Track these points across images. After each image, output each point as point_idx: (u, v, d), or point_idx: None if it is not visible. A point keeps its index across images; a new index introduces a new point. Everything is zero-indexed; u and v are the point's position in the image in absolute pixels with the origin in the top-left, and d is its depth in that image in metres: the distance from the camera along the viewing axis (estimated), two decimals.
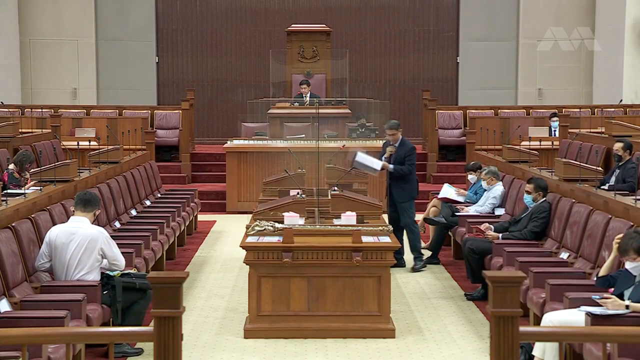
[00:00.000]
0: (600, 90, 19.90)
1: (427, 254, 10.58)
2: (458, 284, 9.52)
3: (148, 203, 11.59)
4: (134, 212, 10.66)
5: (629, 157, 10.52)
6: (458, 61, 20.79)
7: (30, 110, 17.46)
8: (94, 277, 6.99)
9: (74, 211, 7.33)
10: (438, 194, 11.33)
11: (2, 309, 6.14)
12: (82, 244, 6.96)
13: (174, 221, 10.56)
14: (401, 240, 9.80)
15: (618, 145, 10.60)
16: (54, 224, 7.46)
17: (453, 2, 20.70)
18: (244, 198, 14.17)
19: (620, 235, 6.42)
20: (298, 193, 9.26)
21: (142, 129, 15.34)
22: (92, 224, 7.24)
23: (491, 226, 9.17)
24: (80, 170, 10.09)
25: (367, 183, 11.36)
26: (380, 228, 7.77)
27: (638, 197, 7.48)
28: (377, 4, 20.66)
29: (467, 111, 17.79)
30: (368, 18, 20.69)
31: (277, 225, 7.82)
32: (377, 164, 10.15)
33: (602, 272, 6.64)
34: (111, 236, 7.43)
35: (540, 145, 13.28)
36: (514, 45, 20.59)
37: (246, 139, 15.21)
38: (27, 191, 8.55)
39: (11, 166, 10.53)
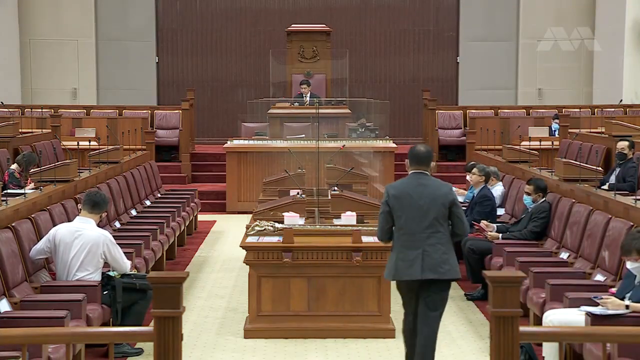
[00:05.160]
0: (600, 90, 19.88)
1: None
2: (458, 284, 9.51)
3: (148, 203, 11.58)
4: (134, 212, 10.66)
5: (632, 156, 10.53)
6: (458, 61, 20.77)
7: (30, 110, 17.45)
8: (95, 278, 6.99)
9: (80, 210, 7.31)
10: None
11: (2, 309, 6.14)
12: (85, 246, 6.96)
13: (174, 221, 10.55)
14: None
15: (624, 144, 10.58)
16: (54, 224, 7.46)
17: (453, 2, 20.68)
18: (244, 198, 14.16)
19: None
20: (298, 193, 9.25)
21: (142, 129, 15.32)
22: (98, 224, 7.24)
23: (494, 225, 9.15)
24: (80, 170, 10.08)
25: (367, 183, 11.35)
26: None
27: (638, 197, 7.48)
28: (377, 4, 20.64)
29: (467, 111, 17.78)
30: (368, 18, 20.68)
31: (277, 225, 7.82)
32: None
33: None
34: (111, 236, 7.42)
35: (540, 145, 13.28)
36: (514, 45, 20.57)
37: (246, 139, 15.19)
38: (27, 191, 8.54)
39: (14, 166, 10.52)
